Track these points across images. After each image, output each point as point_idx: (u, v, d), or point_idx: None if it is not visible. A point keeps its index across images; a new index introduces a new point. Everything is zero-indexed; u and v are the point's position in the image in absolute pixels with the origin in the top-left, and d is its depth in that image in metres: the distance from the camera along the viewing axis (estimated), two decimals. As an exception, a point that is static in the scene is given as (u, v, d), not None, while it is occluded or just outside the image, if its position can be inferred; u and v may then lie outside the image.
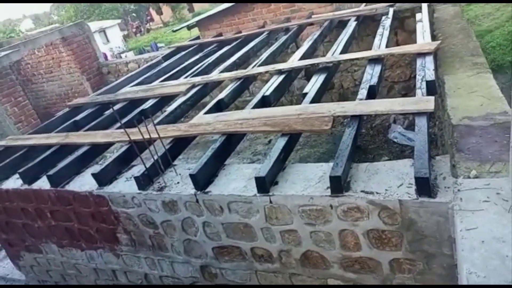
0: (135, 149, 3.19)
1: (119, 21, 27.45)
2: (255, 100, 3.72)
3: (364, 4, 6.56)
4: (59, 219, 3.84)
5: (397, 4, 6.06)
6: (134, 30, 31.16)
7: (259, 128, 3.13)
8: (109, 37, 23.93)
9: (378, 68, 3.64)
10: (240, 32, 7.35)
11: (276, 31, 6.62)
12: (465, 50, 3.66)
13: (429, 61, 3.39)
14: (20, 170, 3.78)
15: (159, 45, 19.08)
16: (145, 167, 3.11)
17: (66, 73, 9.43)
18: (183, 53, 6.71)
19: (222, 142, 3.14)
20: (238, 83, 4.36)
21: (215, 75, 4.84)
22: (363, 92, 3.26)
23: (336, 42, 4.85)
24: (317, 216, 2.51)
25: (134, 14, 31.47)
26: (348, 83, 7.10)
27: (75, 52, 9.06)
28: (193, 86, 4.59)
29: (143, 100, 4.65)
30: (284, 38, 5.88)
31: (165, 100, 4.65)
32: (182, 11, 31.46)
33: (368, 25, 6.22)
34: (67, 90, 9.71)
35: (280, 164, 2.78)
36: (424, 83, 3.03)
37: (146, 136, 3.15)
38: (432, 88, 2.98)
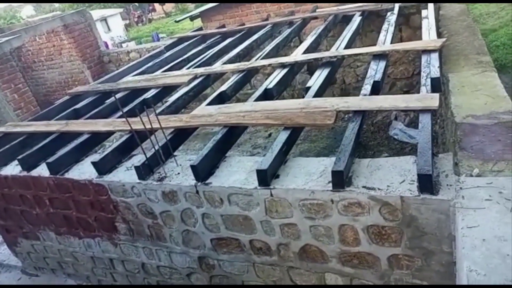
0: (136, 139, 3.17)
1: (121, 10, 27.26)
2: (257, 93, 3.70)
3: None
4: (58, 207, 3.83)
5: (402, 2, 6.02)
6: (135, 19, 30.94)
7: (261, 121, 3.11)
8: (111, 26, 23.77)
9: (382, 64, 3.62)
10: (244, 24, 7.30)
11: (280, 24, 6.58)
12: (470, 48, 3.64)
13: (434, 58, 3.37)
14: (20, 157, 3.76)
15: (160, 35, 18.97)
16: (146, 157, 3.09)
17: (67, 61, 9.37)
18: (186, 43, 6.67)
19: (223, 134, 3.13)
20: (241, 75, 4.34)
21: (217, 66, 4.81)
22: (367, 87, 3.24)
23: (340, 37, 4.82)
24: (317, 210, 2.51)
25: (136, 4, 31.25)
26: (351, 79, 7.07)
27: (77, 40, 9.00)
28: (196, 77, 4.57)
29: (145, 89, 4.63)
30: (287, 31, 5.85)
31: (167, 90, 4.62)
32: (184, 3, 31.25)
33: (372, 20, 6.19)
34: (68, 78, 9.66)
35: (281, 158, 2.77)
36: (429, 80, 3.01)
37: (148, 126, 3.14)
38: (437, 85, 2.97)
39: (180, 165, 3.13)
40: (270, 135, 6.75)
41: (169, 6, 32.94)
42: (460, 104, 2.74)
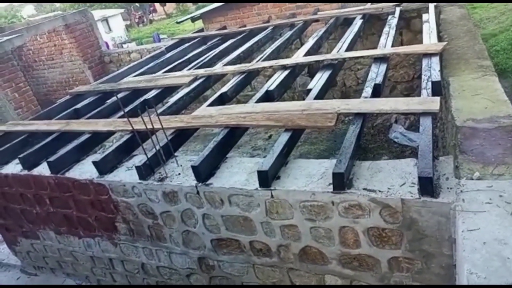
0: (137, 139, 3.18)
1: (122, 10, 27.28)
2: (258, 95, 3.71)
3: (369, 3, 6.54)
4: (58, 206, 3.83)
5: (404, 4, 6.05)
6: (136, 20, 30.96)
7: (262, 122, 3.12)
8: (112, 26, 23.77)
9: (383, 67, 3.63)
10: (245, 26, 7.32)
11: (281, 27, 6.60)
12: (471, 52, 3.65)
13: (435, 62, 3.39)
14: (20, 156, 3.77)
15: (161, 36, 18.99)
16: (147, 157, 3.10)
17: (68, 60, 9.38)
18: (187, 45, 6.69)
19: (224, 135, 3.13)
20: (242, 77, 4.35)
21: (218, 68, 4.82)
22: (367, 90, 3.25)
23: (341, 40, 4.84)
24: (318, 212, 2.52)
25: (137, 4, 31.28)
26: (351, 82, 7.09)
27: (78, 39, 9.01)
28: (196, 78, 4.58)
29: (146, 90, 4.64)
30: (289, 33, 5.86)
31: (168, 91, 4.63)
32: (185, 3, 31.27)
33: (373, 23, 6.21)
34: (68, 77, 9.67)
35: (282, 159, 2.78)
36: (429, 84, 3.03)
37: (149, 126, 3.14)
38: (438, 89, 2.98)
39: (181, 165, 3.14)
40: (270, 137, 6.76)
41: (170, 7, 32.97)
42: (460, 108, 2.75)
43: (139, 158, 3.34)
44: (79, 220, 3.81)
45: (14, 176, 3.85)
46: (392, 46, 4.29)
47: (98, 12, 22.87)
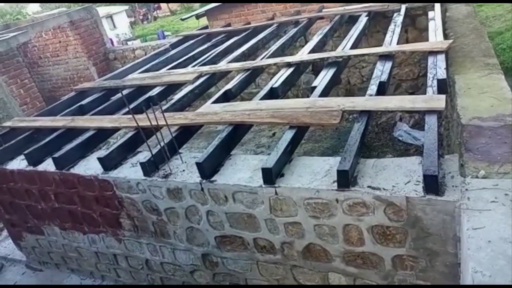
0: (142, 135, 3.19)
1: (126, 7, 27.31)
2: (263, 92, 3.71)
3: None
4: (63, 202, 3.85)
5: (409, 2, 6.01)
6: (141, 17, 31.00)
7: (267, 119, 3.12)
8: (116, 23, 23.84)
9: (388, 65, 3.62)
10: (249, 23, 7.31)
11: (286, 24, 6.58)
12: (477, 50, 3.63)
13: (441, 59, 3.37)
14: (26, 152, 3.79)
15: (165, 33, 19.00)
16: (151, 153, 3.11)
17: (73, 57, 9.39)
18: (191, 42, 6.69)
19: (229, 132, 3.14)
20: (246, 74, 4.35)
21: (223, 65, 4.82)
22: (372, 88, 3.24)
23: (346, 37, 4.82)
24: (322, 209, 2.52)
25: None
26: (356, 79, 7.06)
27: (83, 36, 9.02)
28: (201, 75, 4.58)
29: (150, 87, 4.64)
30: (293, 31, 5.85)
31: (172, 88, 4.64)
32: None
33: (378, 21, 6.18)
34: (73, 74, 9.69)
35: (286, 156, 2.78)
36: (435, 82, 3.01)
37: (154, 122, 3.15)
38: (443, 86, 2.97)
39: (185, 162, 3.14)
40: (274, 134, 6.75)
41: (174, 4, 32.97)
42: (466, 106, 2.74)
43: (143, 155, 3.35)
44: (83, 216, 3.83)
45: (20, 172, 3.87)
46: (398, 43, 4.28)
47: (102, 9, 22.89)
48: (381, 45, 4.33)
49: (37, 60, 10.02)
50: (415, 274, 2.45)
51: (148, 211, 3.35)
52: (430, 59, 3.49)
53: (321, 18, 6.49)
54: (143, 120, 3.25)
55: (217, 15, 8.00)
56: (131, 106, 3.97)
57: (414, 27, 6.17)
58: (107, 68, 9.30)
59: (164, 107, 3.84)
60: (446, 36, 4.21)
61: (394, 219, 2.31)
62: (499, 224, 1.78)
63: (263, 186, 2.64)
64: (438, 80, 3.01)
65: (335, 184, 2.42)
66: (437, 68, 3.23)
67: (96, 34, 9.28)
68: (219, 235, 3.13)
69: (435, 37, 4.07)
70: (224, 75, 4.86)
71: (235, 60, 5.01)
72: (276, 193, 2.62)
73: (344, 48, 4.43)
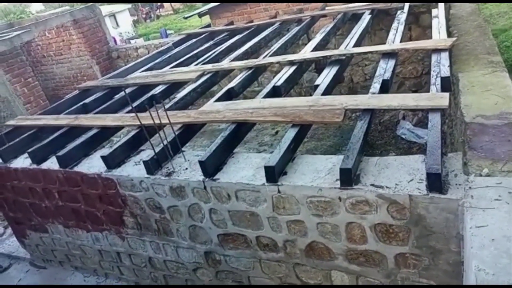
0: (145, 134, 3.20)
1: (129, 6, 27.31)
2: (265, 90, 3.71)
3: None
4: (67, 200, 3.87)
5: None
6: (144, 16, 31.02)
7: (270, 118, 3.12)
8: (119, 21, 23.84)
9: (392, 63, 3.60)
10: (252, 21, 7.31)
11: (288, 22, 6.57)
12: (481, 48, 3.62)
13: (444, 57, 3.35)
14: (30, 150, 3.81)
15: (168, 32, 19.00)
16: (154, 152, 3.12)
17: (76, 56, 9.43)
18: (194, 40, 6.69)
19: (231, 131, 3.14)
20: (249, 72, 4.35)
21: (225, 63, 4.82)
22: (376, 86, 3.23)
23: (349, 35, 4.81)
24: (325, 207, 2.52)
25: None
26: (358, 77, 7.05)
27: (86, 35, 9.05)
28: (204, 73, 4.58)
29: (153, 85, 4.65)
30: (296, 29, 5.84)
31: (175, 86, 4.65)
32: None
33: (382, 19, 6.16)
34: (76, 73, 9.72)
35: (289, 155, 2.77)
36: (438, 79, 3.00)
37: (157, 121, 3.16)
38: (447, 84, 2.95)
39: (188, 160, 3.15)
40: (277, 132, 6.75)
41: (177, 3, 32.95)
42: (469, 104, 2.73)
43: (146, 153, 3.36)
44: (87, 214, 3.85)
45: (24, 170, 3.89)
46: (401, 41, 4.26)
47: (105, 8, 22.90)
48: (384, 43, 4.32)
49: (41, 59, 10.06)
50: (418, 272, 2.45)
51: (151, 209, 3.36)
52: (434, 57, 3.47)
53: (324, 16, 6.47)
54: (146, 118, 3.26)
55: (219, 14, 7.99)
56: (134, 104, 3.98)
57: (418, 25, 6.15)
58: (110, 66, 9.33)
59: (167, 106, 3.84)
60: (449, 34, 4.19)
61: (397, 217, 2.31)
62: (502, 222, 1.78)
63: (266, 184, 2.64)
64: (442, 78, 3.00)
65: (338, 182, 2.42)
66: (441, 66, 3.21)
67: (99, 32, 9.31)
68: (222, 233, 3.13)
69: (439, 34, 4.05)
70: (227, 73, 4.86)
71: (238, 58, 5.01)
72: (278, 191, 2.62)
73: (347, 46, 4.41)
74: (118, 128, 3.95)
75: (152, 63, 5.71)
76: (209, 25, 8.20)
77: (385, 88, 3.24)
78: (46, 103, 7.93)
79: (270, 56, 4.74)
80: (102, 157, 3.33)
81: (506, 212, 1.82)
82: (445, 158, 2.39)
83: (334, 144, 6.02)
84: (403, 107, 2.87)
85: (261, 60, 4.57)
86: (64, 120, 4.20)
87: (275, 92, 3.71)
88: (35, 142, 4.06)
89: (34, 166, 3.79)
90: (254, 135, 6.80)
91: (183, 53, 6.04)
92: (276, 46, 5.11)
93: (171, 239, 3.48)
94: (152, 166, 3.10)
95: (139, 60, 6.19)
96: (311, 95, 3.50)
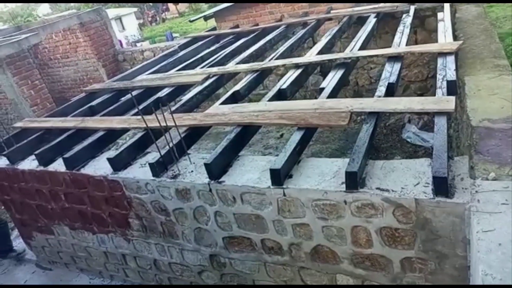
0: (151, 136, 3.22)
1: (135, 9, 27.50)
2: (271, 93, 3.72)
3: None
4: (73, 202, 3.90)
5: (418, 3, 5.97)
6: (149, 19, 31.21)
7: (275, 120, 3.13)
8: (125, 25, 23.99)
9: (397, 66, 3.60)
10: (257, 24, 7.33)
11: (294, 25, 6.59)
12: (487, 52, 3.60)
13: (450, 61, 3.35)
14: (37, 152, 3.84)
15: (174, 35, 19.10)
16: (160, 154, 3.13)
17: (82, 58, 9.50)
18: (200, 43, 6.73)
19: (237, 133, 3.15)
20: (255, 75, 4.36)
21: (231, 66, 4.84)
22: (381, 89, 3.23)
23: (354, 39, 4.81)
24: (330, 211, 2.51)
25: (150, 3, 31.52)
26: (364, 81, 7.04)
27: (92, 38, 9.12)
28: (209, 76, 4.60)
29: (159, 88, 4.68)
30: (301, 32, 5.85)
31: (181, 89, 4.67)
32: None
33: (387, 22, 6.15)
34: (83, 75, 9.80)
35: (295, 158, 2.78)
36: (444, 83, 3.00)
37: (163, 123, 3.17)
38: (453, 88, 2.95)
39: (194, 163, 3.16)
40: (282, 135, 6.75)
41: (182, 6, 33.12)
42: (476, 108, 2.72)
43: (152, 155, 3.38)
44: (93, 216, 3.87)
45: (30, 172, 3.92)
46: (406, 45, 4.25)
47: (112, 11, 23.07)
48: (390, 46, 4.32)
49: (48, 62, 10.15)
50: (424, 277, 2.44)
51: (156, 212, 3.37)
52: (440, 61, 3.47)
53: (330, 19, 6.48)
54: (152, 121, 3.28)
55: (225, 17, 8.03)
56: (140, 107, 4.00)
57: (423, 28, 6.13)
58: (116, 69, 9.39)
59: (173, 108, 3.87)
60: (455, 37, 4.18)
61: (403, 221, 2.30)
62: (509, 227, 1.76)
63: (271, 187, 2.64)
64: (448, 82, 3.00)
65: (344, 185, 2.41)
66: (447, 70, 3.21)
67: (105, 35, 9.38)
68: (227, 236, 3.14)
69: (445, 38, 4.05)
70: (232, 76, 4.88)
71: (243, 61, 5.02)
72: (284, 194, 2.62)
73: (353, 49, 4.41)
74: (124, 131, 3.98)
75: (158, 65, 5.75)
76: (214, 28, 8.23)
77: (390, 91, 3.23)
78: (53, 106, 8.00)
79: (276, 59, 4.76)
80: (109, 159, 3.35)
81: (513, 216, 1.81)
82: (451, 162, 2.38)
83: (339, 147, 6.01)
84: (409, 110, 2.86)
85: (266, 63, 4.58)
86: (70, 122, 4.23)
87: (281, 95, 3.72)
88: (42, 144, 4.09)
89: (41, 168, 3.82)
90: (259, 138, 6.80)
91: (188, 56, 6.07)
92: (281, 49, 5.13)
93: (176, 241, 3.49)
94: (158, 168, 3.12)
95: (145, 62, 6.23)
96: (316, 98, 3.50)
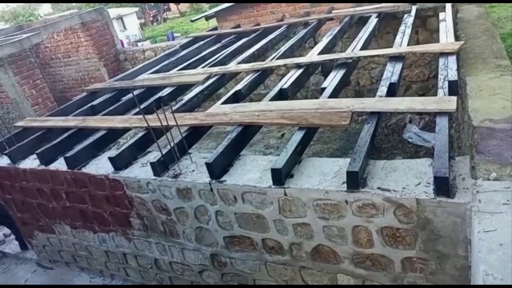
0: (152, 135, 3.22)
1: (136, 9, 27.52)
2: (272, 93, 3.72)
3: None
4: (74, 201, 3.90)
5: (420, 3, 5.97)
6: (151, 19, 31.24)
7: (276, 120, 3.13)
8: (126, 24, 24.03)
9: (399, 66, 3.60)
10: (259, 24, 7.33)
11: (295, 25, 6.59)
12: (488, 52, 3.60)
13: (452, 61, 3.34)
14: (38, 151, 3.84)
15: (175, 34, 19.11)
16: (162, 153, 3.14)
17: (84, 58, 9.50)
18: (201, 43, 6.73)
19: (238, 133, 3.15)
20: (256, 75, 4.36)
21: (232, 66, 4.84)
22: (382, 89, 3.23)
23: (356, 38, 4.81)
24: (331, 210, 2.51)
25: (151, 3, 31.54)
26: (365, 81, 7.03)
27: (94, 37, 9.12)
28: (210, 76, 4.60)
29: (161, 87, 4.68)
30: (303, 32, 5.85)
31: (182, 88, 4.68)
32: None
33: (388, 22, 6.15)
34: (84, 75, 9.80)
35: (296, 157, 2.78)
36: (446, 83, 2.99)
37: (164, 123, 3.17)
38: (454, 88, 2.95)
39: (195, 162, 3.16)
40: (283, 135, 6.75)
41: (184, 6, 33.16)
42: (477, 108, 2.71)
43: (153, 155, 3.38)
44: (94, 215, 3.87)
45: (32, 171, 3.93)
46: (408, 45, 4.25)
47: (113, 11, 23.09)
48: (391, 47, 4.32)
49: (49, 61, 10.15)
50: (424, 277, 2.43)
51: (157, 211, 3.37)
52: (441, 61, 3.46)
53: (331, 19, 6.48)
54: (153, 120, 3.28)
55: (226, 17, 8.03)
56: (142, 106, 4.00)
57: (425, 28, 6.13)
58: (117, 69, 9.39)
59: (174, 108, 3.87)
60: (457, 38, 4.18)
61: (404, 221, 2.30)
62: (510, 227, 1.76)
63: (272, 186, 2.64)
64: (449, 82, 2.99)
65: (345, 185, 2.41)
66: (448, 70, 3.20)
67: (107, 35, 9.38)
68: (228, 235, 3.14)
69: (446, 38, 4.05)
70: (233, 76, 4.88)
71: (245, 61, 5.02)
72: (285, 194, 2.62)
73: (354, 49, 4.41)
74: (126, 130, 3.98)
75: (160, 65, 5.75)
76: (215, 28, 8.23)
77: (392, 91, 3.23)
78: (54, 105, 8.00)
79: (277, 59, 4.76)
80: (110, 158, 3.36)
81: (515, 216, 1.81)
82: (453, 162, 2.38)
83: (340, 147, 6.01)
84: (411, 110, 2.86)
85: (267, 63, 4.58)
86: (72, 121, 4.24)
87: (282, 95, 3.72)
88: (43, 143, 4.10)
89: (42, 167, 3.82)
90: (260, 138, 6.80)
91: (190, 55, 6.07)
92: (282, 49, 5.13)
93: (177, 240, 3.50)
94: (159, 168, 3.12)
95: (147, 62, 6.24)
96: (317, 98, 3.50)
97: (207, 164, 2.86)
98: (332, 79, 3.73)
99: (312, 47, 5.07)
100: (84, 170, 3.56)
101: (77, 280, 4.68)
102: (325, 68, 5.86)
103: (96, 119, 4.16)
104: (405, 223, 2.30)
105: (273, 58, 4.79)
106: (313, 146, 6.08)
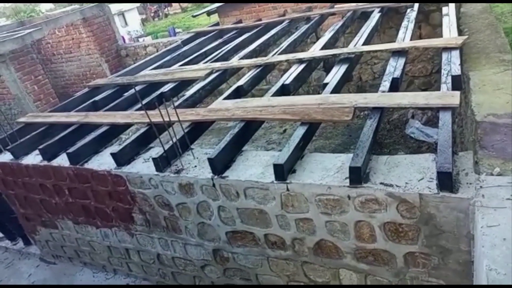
0: (154, 131, 3.22)
1: (138, 4, 27.45)
2: (274, 88, 3.71)
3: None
4: (76, 196, 3.91)
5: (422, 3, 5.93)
6: (152, 14, 31.16)
7: (279, 116, 3.12)
8: (128, 20, 23.99)
9: (401, 61, 3.58)
10: (260, 19, 7.29)
11: (297, 20, 6.55)
12: (492, 46, 3.57)
13: (455, 55, 3.32)
14: (40, 147, 3.85)
15: (176, 30, 19.06)
16: (164, 149, 3.14)
17: (85, 54, 9.50)
18: (203, 38, 6.71)
19: (240, 128, 3.14)
20: (258, 70, 4.35)
21: (234, 61, 4.83)
22: (385, 84, 3.22)
23: (358, 34, 4.78)
24: (333, 206, 2.51)
25: (153, -1, 31.46)
26: (367, 76, 7.01)
27: (95, 33, 9.11)
28: (212, 71, 4.59)
29: (163, 83, 4.67)
30: (305, 27, 5.82)
31: (184, 84, 4.66)
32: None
33: (391, 17, 6.12)
34: (86, 71, 9.80)
35: (298, 153, 2.77)
36: (449, 78, 2.98)
37: (166, 118, 3.17)
38: (458, 83, 2.93)
39: (197, 158, 3.16)
40: (285, 131, 6.74)
41: (185, 2, 33.03)
42: (481, 103, 2.70)
43: (156, 150, 3.38)
44: (97, 211, 3.89)
45: (34, 167, 3.94)
46: (411, 40, 4.22)
47: (114, 6, 23.03)
48: (394, 41, 4.29)
49: (51, 57, 10.15)
50: (427, 272, 2.43)
51: (160, 206, 3.38)
52: (444, 55, 3.44)
53: (333, 14, 6.45)
54: (155, 116, 3.28)
55: (228, 12, 8.00)
56: (144, 102, 4.00)
57: (428, 23, 6.09)
58: (119, 64, 9.39)
59: (176, 103, 3.86)
60: (460, 32, 4.15)
61: (406, 216, 2.30)
62: (514, 222, 1.76)
63: (275, 182, 2.64)
64: (453, 77, 2.98)
65: (347, 180, 2.41)
66: (451, 64, 3.18)
67: (108, 31, 9.36)
68: (230, 231, 3.14)
69: (449, 33, 4.02)
70: (235, 71, 4.87)
71: (247, 56, 5.01)
72: (287, 189, 2.62)
73: (356, 45, 4.39)
74: (128, 126, 3.98)
75: (161, 61, 5.74)
76: (217, 24, 8.21)
77: (395, 86, 3.22)
78: (56, 101, 8.01)
79: (279, 54, 4.74)
80: (112, 154, 3.36)
81: (518, 211, 1.80)
82: (456, 157, 2.37)
83: (342, 142, 6.00)
84: (414, 105, 2.85)
85: (269, 58, 4.56)
86: (74, 117, 4.24)
87: (284, 90, 3.71)
88: (45, 139, 4.10)
89: (45, 162, 3.83)
90: (262, 133, 6.80)
91: (192, 51, 6.06)
92: (284, 44, 5.11)
93: (179, 236, 3.50)
94: (161, 163, 3.12)
95: (148, 58, 6.22)
96: (319, 93, 3.49)
97: (209, 160, 2.86)
98: (334, 75, 3.72)
99: (314, 42, 5.05)
100: (86, 165, 3.57)
101: (80, 275, 4.70)
102: (327, 64, 5.84)
103: (98, 114, 4.16)
104: (407, 218, 2.30)
105: (275, 54, 4.78)
106: (315, 142, 6.07)
